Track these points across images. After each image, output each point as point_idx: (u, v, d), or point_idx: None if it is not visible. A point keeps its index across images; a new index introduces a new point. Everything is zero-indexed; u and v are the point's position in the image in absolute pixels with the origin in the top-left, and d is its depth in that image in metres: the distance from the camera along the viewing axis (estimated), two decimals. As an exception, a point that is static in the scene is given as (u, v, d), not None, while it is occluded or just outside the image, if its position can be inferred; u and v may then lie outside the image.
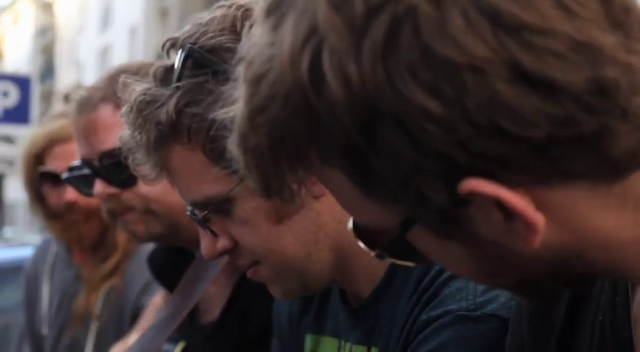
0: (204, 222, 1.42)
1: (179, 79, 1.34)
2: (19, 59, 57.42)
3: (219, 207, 1.38)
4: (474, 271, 0.95)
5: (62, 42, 51.73)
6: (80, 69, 46.33)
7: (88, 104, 2.03)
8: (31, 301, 3.05)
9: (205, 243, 1.44)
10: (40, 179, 2.89)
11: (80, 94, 2.07)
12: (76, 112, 2.05)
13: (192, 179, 1.38)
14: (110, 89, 1.99)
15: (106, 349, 2.70)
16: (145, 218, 1.97)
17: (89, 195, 2.05)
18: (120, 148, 1.96)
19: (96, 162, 2.01)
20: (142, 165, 1.41)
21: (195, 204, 1.41)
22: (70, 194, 2.69)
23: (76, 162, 2.09)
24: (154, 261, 2.22)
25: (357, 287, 1.46)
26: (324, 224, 1.40)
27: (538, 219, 0.85)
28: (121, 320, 2.79)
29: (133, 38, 38.87)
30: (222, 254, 1.44)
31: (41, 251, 3.11)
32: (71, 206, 2.81)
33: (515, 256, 0.89)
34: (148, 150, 1.37)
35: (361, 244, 0.98)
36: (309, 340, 1.60)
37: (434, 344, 1.29)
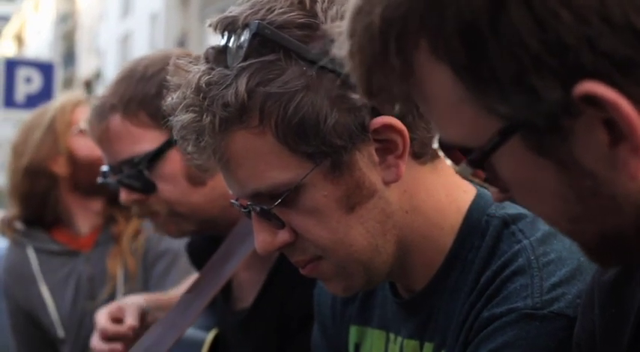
0: (267, 214, 1.31)
1: (245, 59, 1.25)
2: (40, 46, 57.58)
3: (285, 197, 1.28)
4: (559, 210, 0.90)
5: (83, 29, 51.80)
6: (101, 56, 46.39)
7: (100, 114, 2.03)
8: (27, 314, 2.98)
9: (262, 237, 1.34)
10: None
11: (95, 103, 2.07)
12: (91, 122, 2.06)
13: (257, 166, 1.28)
14: (117, 96, 2.00)
15: None
16: (173, 220, 2.00)
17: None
18: (137, 157, 1.97)
19: (117, 171, 2.03)
20: (197, 153, 1.31)
21: (258, 195, 1.30)
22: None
23: (105, 168, 2.10)
24: (192, 249, 2.21)
25: (411, 280, 1.40)
26: (392, 213, 1.32)
27: None
28: (145, 272, 2.87)
29: (154, 25, 38.86)
30: (280, 249, 1.35)
31: (15, 262, 3.04)
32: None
33: (608, 195, 0.85)
34: (211, 134, 1.27)
35: (446, 158, 0.92)
36: (353, 331, 1.55)
37: (497, 343, 1.23)
